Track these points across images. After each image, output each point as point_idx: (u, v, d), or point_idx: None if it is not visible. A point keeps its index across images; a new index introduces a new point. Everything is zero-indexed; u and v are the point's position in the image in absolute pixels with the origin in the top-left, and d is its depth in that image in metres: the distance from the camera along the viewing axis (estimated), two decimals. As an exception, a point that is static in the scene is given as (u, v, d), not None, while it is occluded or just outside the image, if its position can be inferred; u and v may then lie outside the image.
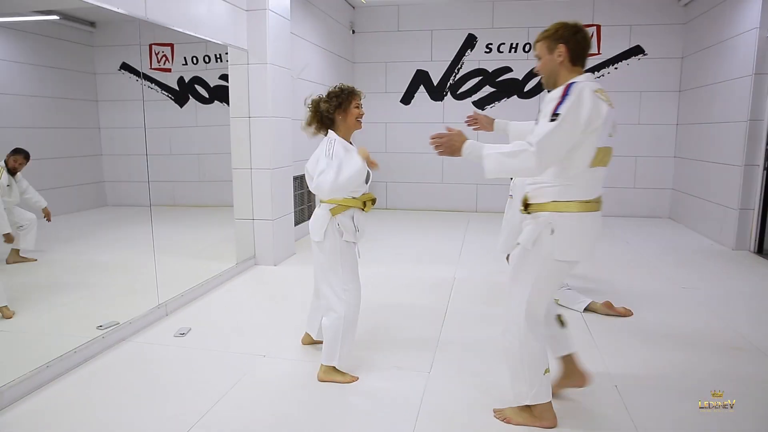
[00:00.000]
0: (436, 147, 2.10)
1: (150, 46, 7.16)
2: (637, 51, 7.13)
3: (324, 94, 2.68)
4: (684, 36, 6.96)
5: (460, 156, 2.07)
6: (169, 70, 7.39)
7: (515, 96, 7.51)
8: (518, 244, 2.18)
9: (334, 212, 2.61)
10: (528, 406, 2.21)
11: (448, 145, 2.07)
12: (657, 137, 7.23)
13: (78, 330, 3.07)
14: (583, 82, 1.99)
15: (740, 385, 2.61)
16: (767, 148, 5.22)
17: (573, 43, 2.07)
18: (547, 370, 2.16)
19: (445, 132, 2.10)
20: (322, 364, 2.66)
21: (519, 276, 2.16)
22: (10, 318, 3.33)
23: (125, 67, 7.05)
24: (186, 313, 3.64)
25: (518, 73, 7.46)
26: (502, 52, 7.44)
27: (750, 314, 3.70)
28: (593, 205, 2.07)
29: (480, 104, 7.60)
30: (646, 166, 7.31)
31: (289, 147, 5.03)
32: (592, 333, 3.26)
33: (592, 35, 7.10)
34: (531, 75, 7.41)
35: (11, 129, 5.12)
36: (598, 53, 7.18)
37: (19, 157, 4.29)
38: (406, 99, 7.75)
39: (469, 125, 3.08)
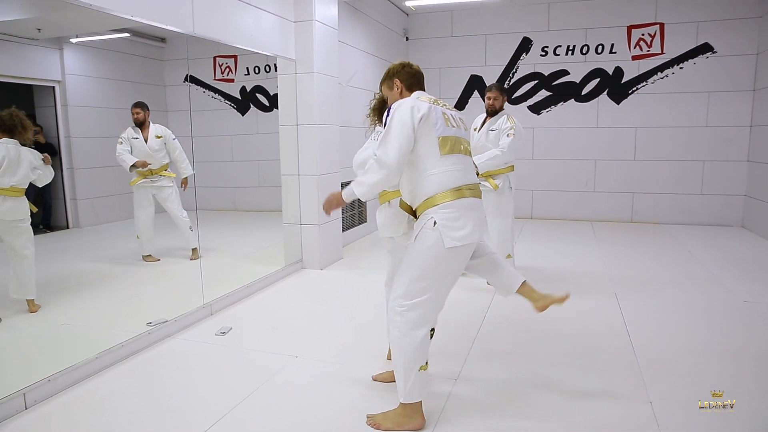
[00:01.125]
0: (325, 210, 2.37)
1: (214, 58, 7.55)
2: (705, 49, 6.73)
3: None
4: (759, 30, 6.50)
5: (344, 204, 2.34)
6: (232, 81, 7.75)
7: (572, 99, 7.29)
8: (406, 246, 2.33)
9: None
10: (401, 406, 2.26)
11: (329, 201, 2.35)
12: (728, 140, 6.78)
13: (129, 325, 3.28)
14: (404, 99, 2.28)
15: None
16: None
17: (403, 75, 2.44)
18: (422, 367, 2.21)
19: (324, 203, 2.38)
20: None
21: (407, 270, 2.23)
22: (35, 312, 3.61)
23: (191, 79, 7.44)
24: (230, 313, 3.80)
25: (575, 76, 7.24)
26: (558, 54, 7.26)
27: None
28: (464, 191, 2.23)
29: (536, 108, 7.44)
30: (715, 171, 6.87)
31: (336, 153, 5.14)
32: (633, 343, 3.11)
33: (654, 34, 6.81)
34: (589, 77, 7.18)
35: (91, 138, 5.57)
36: (662, 53, 6.85)
37: (136, 109, 4.92)
38: (460, 105, 7.70)
39: None
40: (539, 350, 3.10)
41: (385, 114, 2.31)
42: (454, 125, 2.31)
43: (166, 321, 3.38)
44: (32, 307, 3.62)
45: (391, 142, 2.15)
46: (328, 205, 2.35)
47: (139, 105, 4.96)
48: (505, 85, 7.52)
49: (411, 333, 2.19)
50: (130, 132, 4.92)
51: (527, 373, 2.80)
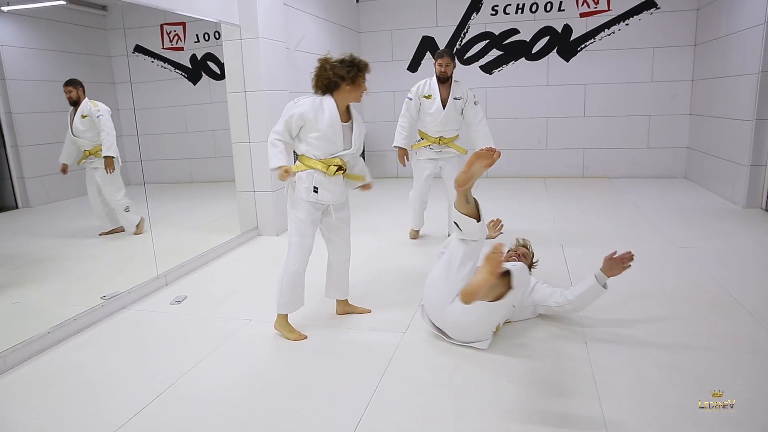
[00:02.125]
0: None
1: (161, 26, 7.28)
2: (649, 5, 6.87)
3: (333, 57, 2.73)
4: (699, -14, 6.68)
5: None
6: (181, 49, 7.51)
7: (523, 58, 7.38)
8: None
9: (294, 168, 2.74)
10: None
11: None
12: (672, 95, 7.01)
13: (83, 300, 3.28)
14: None
15: (713, 339, 2.64)
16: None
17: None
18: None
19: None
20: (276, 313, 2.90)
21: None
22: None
23: (139, 49, 7.19)
24: (185, 282, 3.83)
25: (525, 35, 7.31)
26: (508, 13, 7.29)
27: (742, 271, 3.65)
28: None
29: (487, 68, 7.51)
30: (660, 125, 7.12)
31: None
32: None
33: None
34: (539, 36, 7.26)
35: (30, 114, 5.35)
36: (608, 9, 6.96)
37: (68, 87, 4.61)
38: (413, 66, 7.71)
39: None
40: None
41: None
42: None
43: (119, 293, 3.39)
44: None
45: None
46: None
47: (71, 83, 4.63)
48: (457, 46, 7.54)
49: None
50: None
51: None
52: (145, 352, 2.76)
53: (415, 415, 2.13)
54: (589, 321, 2.89)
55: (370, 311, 3.14)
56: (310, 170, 2.73)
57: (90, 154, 4.74)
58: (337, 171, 2.75)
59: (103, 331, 3.04)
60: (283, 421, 2.12)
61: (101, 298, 3.32)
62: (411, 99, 4.35)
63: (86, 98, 4.71)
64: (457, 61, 4.27)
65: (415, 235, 4.73)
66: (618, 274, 2.66)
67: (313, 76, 2.76)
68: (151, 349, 2.80)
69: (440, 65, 4.22)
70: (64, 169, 4.64)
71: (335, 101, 2.71)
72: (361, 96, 2.78)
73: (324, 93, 2.74)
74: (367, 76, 2.75)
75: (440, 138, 4.34)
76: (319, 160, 2.73)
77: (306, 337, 2.83)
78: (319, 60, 2.73)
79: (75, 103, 4.60)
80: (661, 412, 2.08)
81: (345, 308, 3.14)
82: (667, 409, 2.10)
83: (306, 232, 2.81)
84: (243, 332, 2.94)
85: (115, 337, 2.95)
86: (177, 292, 3.59)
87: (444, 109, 4.27)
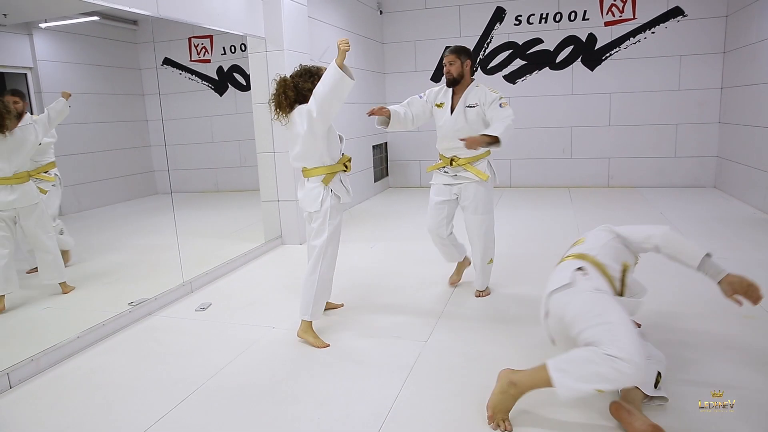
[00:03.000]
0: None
1: (189, 39, 7.48)
2: (676, 13, 6.79)
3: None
4: (727, -7, 6.57)
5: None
6: (208, 61, 7.69)
7: (547, 68, 7.34)
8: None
9: (326, 181, 2.82)
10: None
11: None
12: (699, 103, 6.89)
13: (112, 306, 3.36)
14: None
15: (742, 352, 2.57)
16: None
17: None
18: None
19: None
20: (301, 320, 2.91)
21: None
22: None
23: (167, 61, 7.37)
24: (210, 289, 3.89)
25: (549, 44, 7.28)
26: (531, 23, 7.28)
27: (774, 283, 3.55)
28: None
29: (511, 78, 7.49)
30: (688, 134, 7.00)
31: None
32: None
33: (626, 0, 6.84)
34: (563, 45, 7.22)
35: (64, 126, 5.55)
36: (634, 18, 6.90)
37: (14, 98, 3.75)
38: (437, 77, 7.73)
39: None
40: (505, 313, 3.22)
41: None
42: None
43: (146, 300, 3.46)
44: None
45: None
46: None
47: (16, 93, 3.86)
48: (480, 56, 7.54)
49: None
50: None
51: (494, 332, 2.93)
52: (170, 358, 2.81)
53: (437, 425, 2.12)
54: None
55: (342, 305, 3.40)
56: (336, 176, 2.89)
57: (31, 175, 3.82)
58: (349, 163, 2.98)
59: (130, 336, 3.11)
60: (306, 428, 2.13)
61: (129, 304, 3.40)
62: (421, 97, 3.47)
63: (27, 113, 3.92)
64: (471, 61, 3.31)
65: (453, 278, 3.77)
66: (740, 294, 2.18)
67: (272, 98, 2.82)
68: (176, 354, 2.85)
69: (445, 64, 3.32)
70: None
71: None
72: None
73: (291, 110, 2.81)
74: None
75: (452, 158, 3.40)
76: (336, 163, 2.87)
77: (329, 345, 2.85)
78: (279, 80, 2.81)
79: (20, 116, 3.71)
80: (662, 412, 2.04)
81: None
82: (667, 408, 2.07)
83: (339, 237, 2.96)
84: (265, 339, 2.98)
85: (141, 343, 3.02)
86: (202, 299, 3.66)
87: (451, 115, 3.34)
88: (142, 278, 4.23)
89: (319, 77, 2.72)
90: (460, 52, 3.28)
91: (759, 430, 1.99)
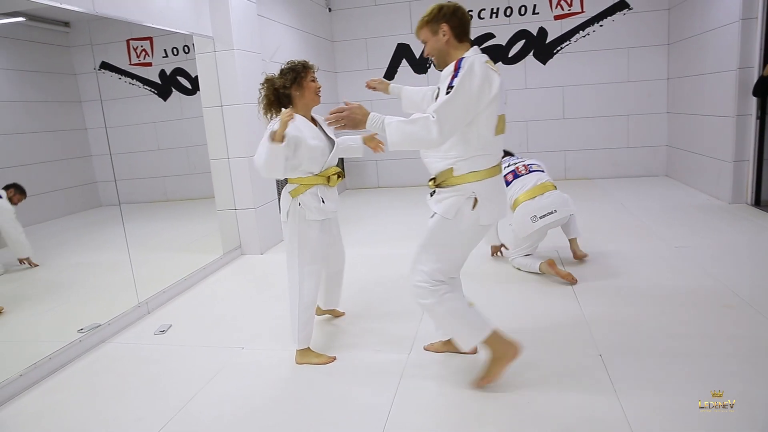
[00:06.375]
0: (337, 121, 2.07)
1: (127, 41, 7.04)
2: (621, 6, 6.91)
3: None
4: (670, -14, 6.74)
5: (363, 128, 2.10)
6: (149, 64, 7.27)
7: (500, 62, 7.34)
8: (434, 214, 2.22)
9: (293, 193, 2.57)
10: (489, 349, 2.28)
11: (350, 118, 2.07)
12: (648, 93, 7.05)
13: (59, 335, 3.04)
14: (473, 56, 2.07)
15: (728, 344, 2.55)
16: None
17: (455, 20, 2.13)
18: (470, 304, 2.26)
19: (344, 106, 2.10)
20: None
21: (436, 242, 2.22)
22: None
23: (105, 65, 6.94)
24: (168, 309, 3.60)
25: (501, 39, 7.27)
26: (483, 18, 7.25)
27: (743, 269, 3.61)
28: (498, 168, 2.20)
29: (465, 74, 7.44)
30: (639, 124, 7.15)
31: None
32: (579, 298, 3.19)
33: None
34: (514, 39, 7.23)
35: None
36: (582, 11, 6.98)
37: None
38: (389, 74, 7.59)
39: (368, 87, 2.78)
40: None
41: (453, 67, 2.04)
42: (506, 102, 2.22)
43: (98, 325, 3.15)
44: None
45: (453, 107, 1.96)
46: (347, 120, 2.07)
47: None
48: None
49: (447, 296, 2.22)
50: None
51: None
52: (130, 391, 2.53)
53: (434, 445, 1.97)
54: (599, 328, 2.78)
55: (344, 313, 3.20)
56: (311, 189, 2.58)
57: None
58: (338, 179, 2.65)
59: (82, 368, 2.81)
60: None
61: (78, 331, 3.08)
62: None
63: None
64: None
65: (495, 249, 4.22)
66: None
67: (262, 99, 2.63)
68: (136, 387, 2.57)
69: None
70: None
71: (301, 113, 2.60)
72: (318, 95, 2.63)
73: (278, 112, 2.60)
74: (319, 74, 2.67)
75: None
76: (316, 175, 2.59)
77: (335, 358, 2.67)
78: (265, 81, 2.63)
79: None
80: (662, 412, 1.99)
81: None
82: (667, 408, 2.02)
83: (320, 256, 2.67)
84: (236, 361, 2.75)
85: (95, 376, 2.72)
86: (161, 321, 3.37)
87: None
88: (91, 301, 3.88)
89: (297, 72, 2.56)
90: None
91: (759, 430, 1.94)
